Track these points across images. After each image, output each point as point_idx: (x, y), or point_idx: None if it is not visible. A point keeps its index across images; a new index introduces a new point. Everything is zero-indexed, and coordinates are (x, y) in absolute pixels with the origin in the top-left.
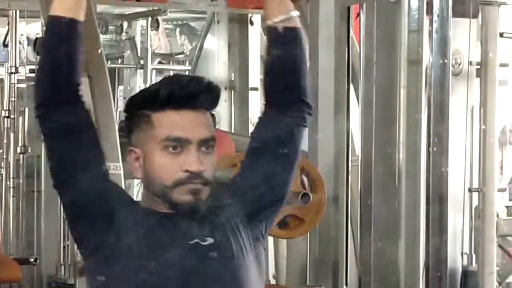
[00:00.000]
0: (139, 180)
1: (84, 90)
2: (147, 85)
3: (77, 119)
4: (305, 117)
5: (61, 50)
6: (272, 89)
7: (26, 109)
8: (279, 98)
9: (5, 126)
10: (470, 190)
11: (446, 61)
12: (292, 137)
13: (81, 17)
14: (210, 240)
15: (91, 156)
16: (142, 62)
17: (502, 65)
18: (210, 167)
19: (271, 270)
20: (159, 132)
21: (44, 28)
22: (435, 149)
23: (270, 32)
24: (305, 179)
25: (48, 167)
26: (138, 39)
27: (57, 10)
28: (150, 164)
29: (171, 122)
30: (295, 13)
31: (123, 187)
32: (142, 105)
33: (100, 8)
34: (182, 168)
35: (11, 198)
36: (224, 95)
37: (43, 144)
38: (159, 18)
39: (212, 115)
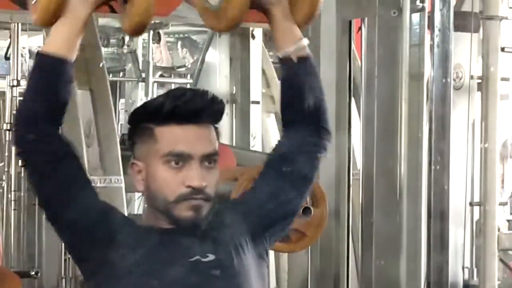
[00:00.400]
0: (140, 194)
1: (85, 103)
2: (149, 98)
3: (58, 154)
4: (324, 144)
5: (46, 89)
6: (290, 118)
7: None
8: (298, 127)
9: (7, 139)
10: (471, 204)
11: (447, 75)
12: (310, 163)
13: (72, 57)
14: (211, 257)
15: (79, 186)
16: (143, 75)
17: (503, 79)
18: (212, 183)
19: (272, 284)
20: (162, 146)
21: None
22: (437, 166)
23: (282, 62)
24: None
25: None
26: (139, 52)
27: (48, 47)
28: (152, 178)
29: (174, 136)
30: (305, 41)
31: (124, 200)
32: (145, 118)
33: (101, 21)
34: (184, 183)
35: (12, 211)
36: (225, 109)
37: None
38: (160, 31)
39: (216, 129)
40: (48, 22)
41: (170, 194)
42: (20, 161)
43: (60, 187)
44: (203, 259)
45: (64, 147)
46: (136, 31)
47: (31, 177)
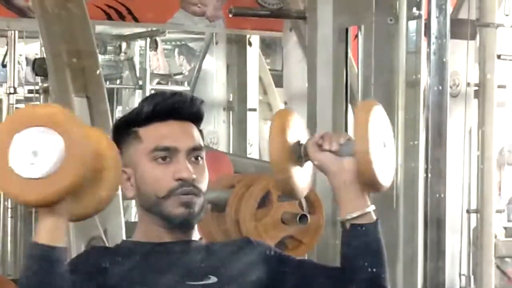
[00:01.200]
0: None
1: (82, 110)
2: None
3: None
4: None
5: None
6: (349, 280)
7: None
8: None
9: None
10: (468, 211)
11: (444, 82)
12: None
13: (62, 243)
14: (213, 279)
15: None
16: (140, 82)
17: (500, 86)
18: (200, 177)
19: None
20: (147, 145)
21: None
22: (433, 173)
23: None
24: (303, 200)
25: None
26: (136, 60)
27: (38, 237)
28: (141, 178)
29: (158, 133)
30: (370, 208)
31: (121, 208)
32: (128, 124)
33: (98, 28)
34: (173, 176)
35: (9, 219)
36: (222, 116)
37: None
38: (157, 38)
39: (200, 131)
40: (48, 205)
41: (161, 190)
42: None
43: None
44: (203, 282)
45: None
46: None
47: None
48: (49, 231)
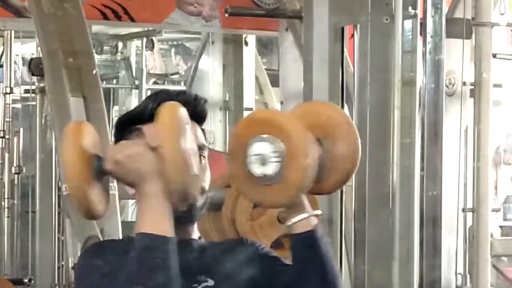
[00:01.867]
0: (134, 201)
1: (79, 110)
2: None
3: None
4: None
5: None
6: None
7: (21, 130)
8: None
9: (0, 146)
10: (464, 210)
11: (439, 81)
12: None
13: None
14: (210, 282)
15: None
16: (137, 82)
17: (495, 85)
18: (203, 176)
19: None
20: (150, 141)
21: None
22: (429, 172)
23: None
24: None
25: None
26: (133, 60)
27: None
28: None
29: None
30: (315, 212)
31: (118, 208)
32: (133, 121)
33: (95, 28)
34: None
35: (6, 219)
36: (218, 116)
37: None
38: (154, 38)
39: (202, 130)
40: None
41: None
42: (13, 169)
43: None
44: (201, 285)
45: None
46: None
47: None
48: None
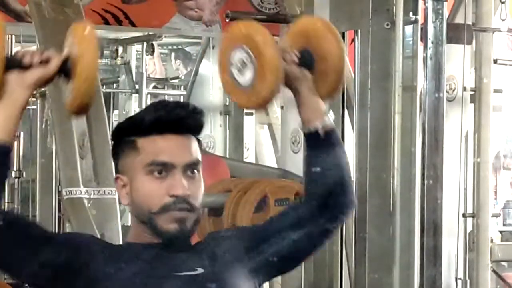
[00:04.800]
0: None
1: None
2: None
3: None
4: (342, 218)
5: None
6: (313, 191)
7: (22, 134)
8: (320, 200)
9: None
10: (464, 216)
11: (440, 87)
12: (320, 238)
13: (11, 142)
14: (200, 270)
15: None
16: (137, 86)
17: (496, 91)
18: (196, 193)
19: None
20: (145, 157)
21: None
22: (430, 178)
23: (308, 137)
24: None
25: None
26: (133, 64)
27: None
28: (136, 189)
29: (156, 146)
30: (331, 116)
31: (118, 212)
32: (128, 132)
33: None
34: (168, 192)
35: None
36: (219, 120)
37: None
38: (154, 43)
39: (198, 141)
40: None
41: (154, 205)
42: (13, 173)
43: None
44: (191, 273)
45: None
46: (78, 113)
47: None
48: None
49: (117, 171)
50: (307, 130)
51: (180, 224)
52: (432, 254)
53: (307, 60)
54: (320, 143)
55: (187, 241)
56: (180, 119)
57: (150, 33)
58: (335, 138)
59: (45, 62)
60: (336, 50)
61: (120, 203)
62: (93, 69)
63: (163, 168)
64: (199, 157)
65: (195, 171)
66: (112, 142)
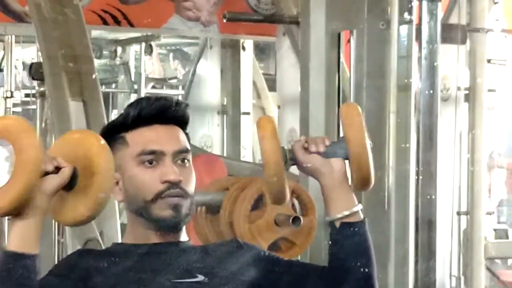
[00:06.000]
0: None
1: (79, 114)
2: None
3: None
4: None
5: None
6: (333, 277)
7: None
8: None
9: None
10: (458, 213)
11: (434, 86)
12: None
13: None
14: (200, 278)
15: None
16: (136, 86)
17: (490, 90)
18: (188, 180)
19: None
20: (134, 149)
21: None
22: (424, 176)
23: (330, 227)
24: (296, 202)
25: None
26: (132, 64)
27: (9, 245)
28: (129, 182)
29: (145, 137)
30: (358, 207)
31: (117, 210)
32: (116, 129)
33: (94, 33)
34: (160, 179)
35: (6, 221)
36: (216, 120)
37: None
38: (152, 43)
39: (186, 134)
40: (10, 214)
41: (148, 193)
42: None
43: None
44: (190, 280)
45: None
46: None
47: None
48: (20, 238)
49: None
50: (327, 220)
51: (175, 210)
52: (427, 250)
53: (335, 151)
54: (335, 235)
55: (181, 226)
56: (164, 109)
57: (149, 33)
58: (354, 232)
59: (57, 169)
60: (357, 137)
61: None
62: (110, 184)
63: (153, 158)
64: (188, 146)
65: (186, 160)
66: None
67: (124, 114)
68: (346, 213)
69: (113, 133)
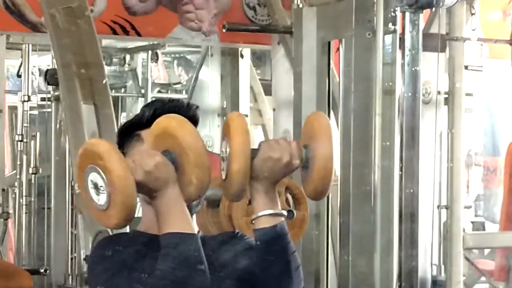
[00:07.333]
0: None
1: (90, 117)
2: None
3: None
4: None
5: None
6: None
7: (38, 134)
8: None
9: (19, 149)
10: (439, 207)
11: (416, 91)
12: None
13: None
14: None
15: None
16: (143, 91)
17: (467, 94)
18: None
19: None
20: (149, 144)
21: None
22: (407, 172)
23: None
24: (289, 197)
25: None
26: (139, 70)
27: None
28: None
29: None
30: (282, 212)
31: None
32: (132, 128)
33: (105, 42)
34: None
35: (24, 215)
36: (217, 121)
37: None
38: (158, 51)
39: None
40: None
41: None
42: (30, 169)
43: None
44: None
45: None
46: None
47: None
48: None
49: None
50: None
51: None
52: (409, 240)
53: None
54: (257, 236)
55: (191, 214)
56: (176, 110)
57: (155, 42)
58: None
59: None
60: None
61: None
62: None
63: None
64: None
65: None
66: (118, 140)
67: (140, 113)
68: (269, 213)
69: (130, 131)
